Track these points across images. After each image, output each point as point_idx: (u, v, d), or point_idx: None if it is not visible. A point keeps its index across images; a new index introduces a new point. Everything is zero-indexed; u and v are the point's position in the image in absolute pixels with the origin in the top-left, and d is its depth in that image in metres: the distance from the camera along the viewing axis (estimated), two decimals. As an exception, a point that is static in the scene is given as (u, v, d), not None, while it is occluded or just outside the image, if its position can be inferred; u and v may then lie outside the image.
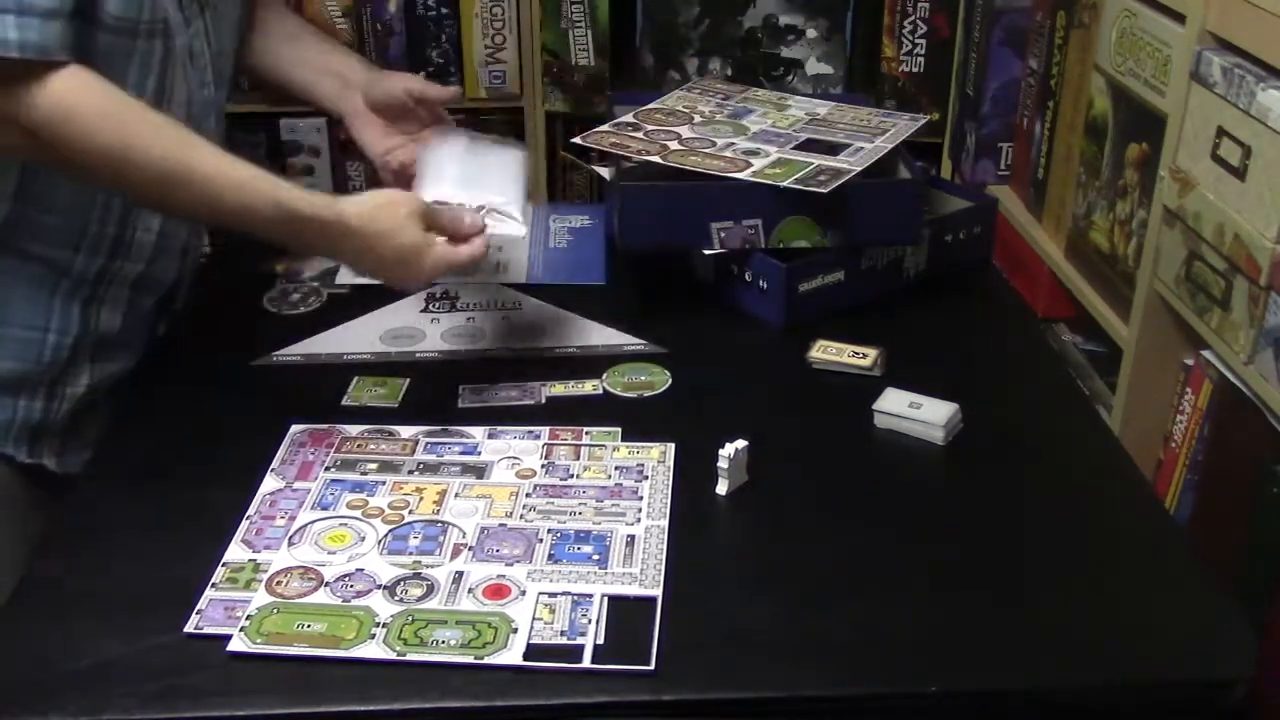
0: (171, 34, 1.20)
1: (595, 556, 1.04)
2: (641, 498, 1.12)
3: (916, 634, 0.98)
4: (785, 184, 1.38)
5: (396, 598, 0.99)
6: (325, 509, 1.10)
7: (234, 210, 1.12)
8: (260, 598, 0.99)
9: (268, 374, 1.33)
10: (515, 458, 1.18)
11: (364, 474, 1.15)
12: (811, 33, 2.27)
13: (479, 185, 1.27)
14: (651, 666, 0.93)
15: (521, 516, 1.09)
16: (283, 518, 1.09)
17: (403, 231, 1.16)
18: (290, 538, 1.06)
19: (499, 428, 1.22)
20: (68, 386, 1.26)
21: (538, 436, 1.21)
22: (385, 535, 1.07)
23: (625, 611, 0.98)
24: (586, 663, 0.94)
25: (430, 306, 1.46)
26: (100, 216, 1.22)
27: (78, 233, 1.22)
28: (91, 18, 1.12)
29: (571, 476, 1.15)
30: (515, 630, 0.96)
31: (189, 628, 0.96)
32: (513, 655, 0.94)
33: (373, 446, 1.19)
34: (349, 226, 1.14)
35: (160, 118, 1.12)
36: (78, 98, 1.07)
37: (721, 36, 2.28)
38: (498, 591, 1.00)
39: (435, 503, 1.11)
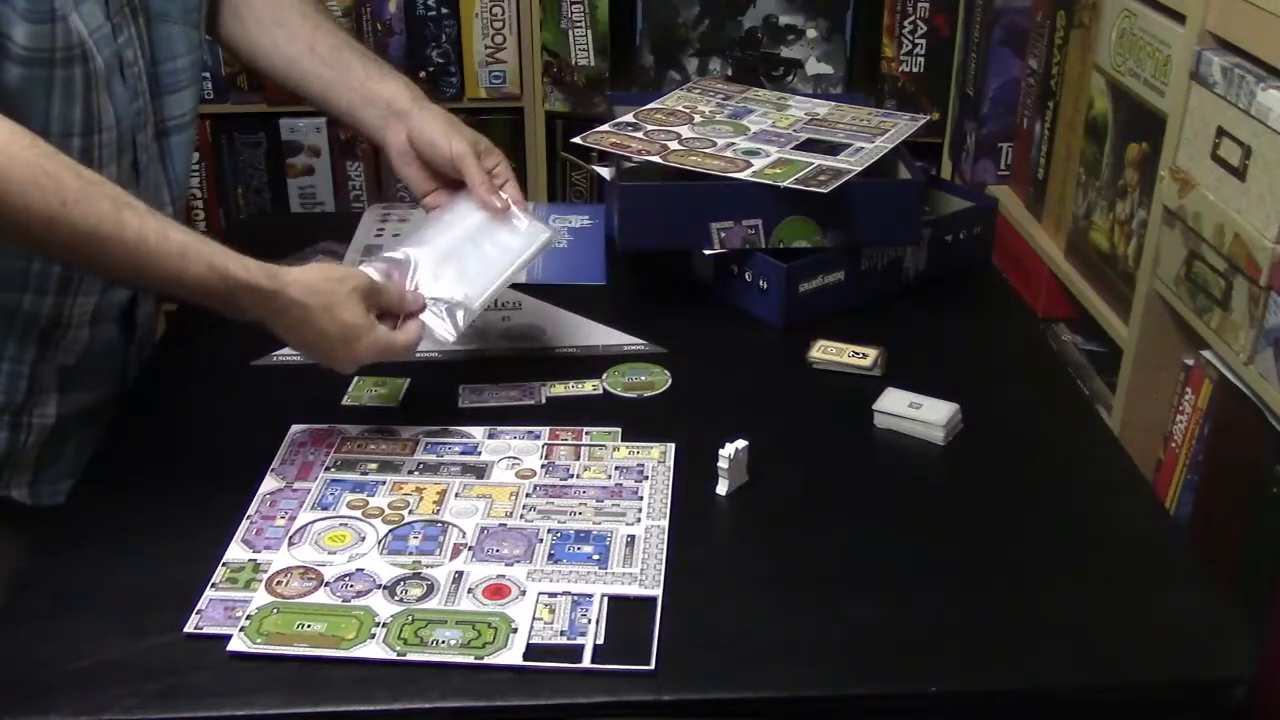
0: (91, 56, 1.12)
1: (595, 556, 1.04)
2: (641, 498, 1.12)
3: (916, 634, 0.98)
4: (785, 184, 1.38)
5: (396, 598, 0.99)
6: (325, 509, 1.10)
7: (166, 275, 1.05)
8: (260, 598, 0.99)
9: (268, 374, 1.33)
10: (515, 458, 1.18)
11: (364, 474, 1.15)
12: (811, 33, 2.27)
13: (452, 266, 1.23)
14: (651, 666, 0.93)
15: (521, 516, 1.09)
16: (283, 518, 1.09)
17: (345, 308, 1.11)
18: (290, 538, 1.06)
19: (499, 428, 1.22)
20: (34, 417, 1.23)
21: (538, 436, 1.21)
22: (385, 535, 1.07)
23: (625, 611, 0.98)
24: (586, 663, 0.94)
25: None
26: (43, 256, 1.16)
27: (21, 274, 1.16)
28: (1, 51, 1.06)
29: (571, 476, 1.15)
30: (515, 630, 0.96)
31: (189, 628, 0.96)
32: (513, 655, 0.94)
33: (373, 446, 1.19)
34: (290, 297, 1.08)
35: (91, 175, 1.04)
36: (5, 156, 0.98)
37: (721, 36, 2.28)
38: (498, 591, 1.00)
39: (435, 503, 1.11)
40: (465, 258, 1.26)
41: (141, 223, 1.04)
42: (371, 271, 1.19)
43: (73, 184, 1.01)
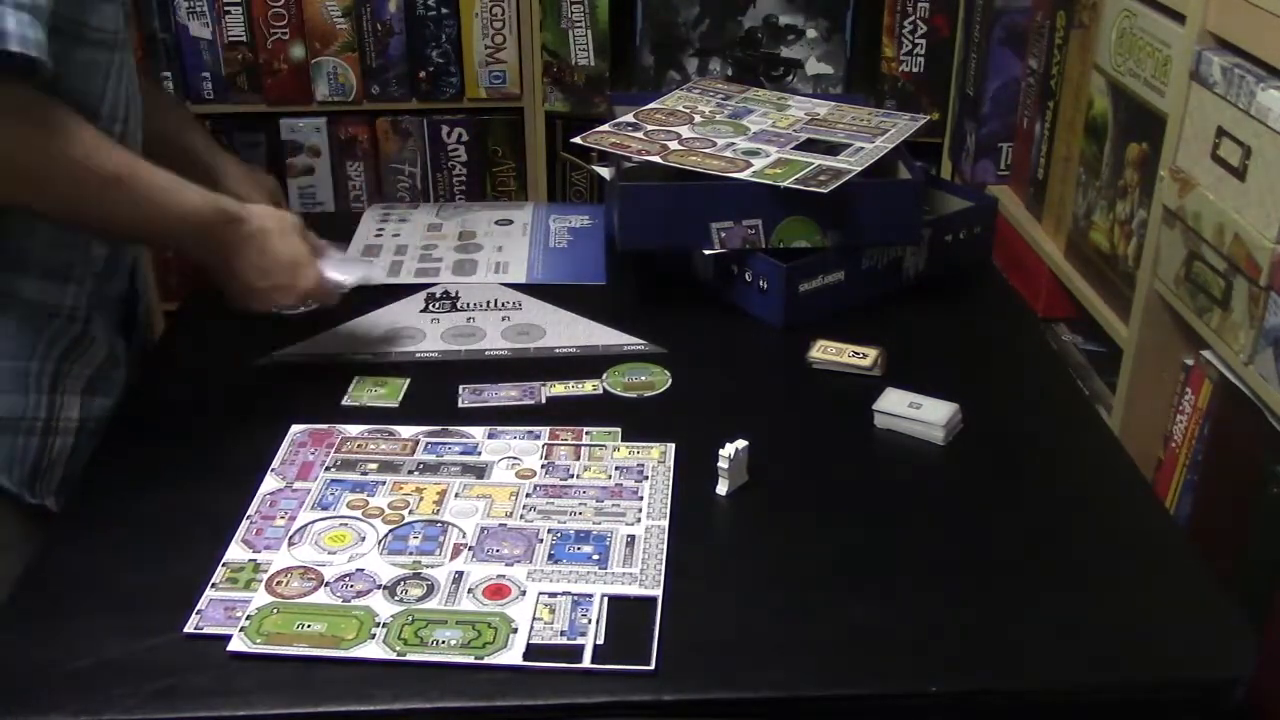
0: (127, 45, 1.19)
1: (595, 556, 1.04)
2: (641, 498, 1.12)
3: (916, 634, 0.98)
4: (785, 184, 1.38)
5: (396, 598, 0.99)
6: (325, 509, 1.10)
7: (180, 213, 1.14)
8: (260, 598, 0.99)
9: (268, 374, 1.33)
10: (515, 458, 1.18)
11: (364, 474, 1.15)
12: (811, 33, 2.27)
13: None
14: (651, 666, 0.93)
15: (521, 516, 1.09)
16: (283, 518, 1.09)
17: (294, 237, 1.23)
18: (290, 538, 1.06)
19: (499, 428, 1.22)
20: (60, 421, 1.21)
21: (538, 436, 1.21)
22: (385, 535, 1.07)
23: (625, 611, 0.98)
24: (586, 663, 0.94)
25: (430, 306, 1.46)
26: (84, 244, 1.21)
27: (65, 265, 1.19)
28: (75, 35, 1.09)
29: (571, 476, 1.15)
30: (515, 630, 0.96)
31: (189, 628, 0.96)
32: (513, 655, 0.94)
33: (373, 446, 1.19)
34: (257, 224, 1.20)
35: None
36: (75, 117, 1.05)
37: (721, 36, 2.28)
38: (498, 591, 1.00)
39: (435, 503, 1.11)
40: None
41: (155, 171, 1.13)
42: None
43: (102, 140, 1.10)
